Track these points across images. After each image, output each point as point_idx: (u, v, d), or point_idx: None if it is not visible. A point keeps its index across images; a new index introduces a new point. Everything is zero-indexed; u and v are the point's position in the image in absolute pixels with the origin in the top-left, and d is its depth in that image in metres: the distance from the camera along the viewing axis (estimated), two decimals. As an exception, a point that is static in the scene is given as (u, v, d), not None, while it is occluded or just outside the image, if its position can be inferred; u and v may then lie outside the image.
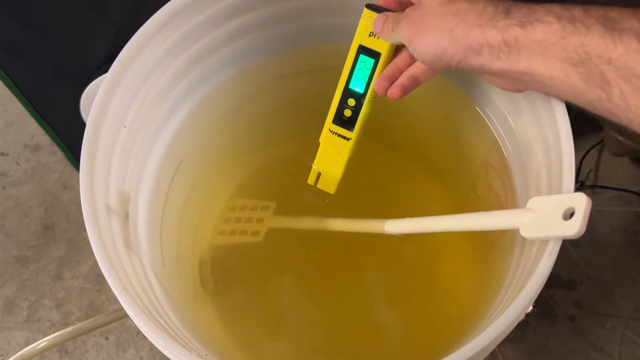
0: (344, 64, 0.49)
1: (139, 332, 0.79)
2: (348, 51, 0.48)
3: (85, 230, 0.43)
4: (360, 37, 0.47)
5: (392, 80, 0.46)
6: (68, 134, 0.78)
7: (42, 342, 0.57)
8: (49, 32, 0.65)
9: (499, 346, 0.66)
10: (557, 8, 0.35)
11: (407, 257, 0.66)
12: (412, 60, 0.45)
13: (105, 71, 0.48)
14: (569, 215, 0.37)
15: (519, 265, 0.45)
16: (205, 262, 0.64)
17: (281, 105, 0.67)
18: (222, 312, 0.61)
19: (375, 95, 0.49)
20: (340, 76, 0.49)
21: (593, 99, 0.34)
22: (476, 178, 0.61)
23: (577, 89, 0.34)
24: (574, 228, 0.36)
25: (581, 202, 0.36)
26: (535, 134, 0.47)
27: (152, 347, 0.77)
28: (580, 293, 0.79)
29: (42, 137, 0.97)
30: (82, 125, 0.48)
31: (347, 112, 0.50)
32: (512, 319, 0.37)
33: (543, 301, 0.79)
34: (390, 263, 0.66)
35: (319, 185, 0.54)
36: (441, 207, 0.69)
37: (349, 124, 0.50)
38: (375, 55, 0.47)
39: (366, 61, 0.48)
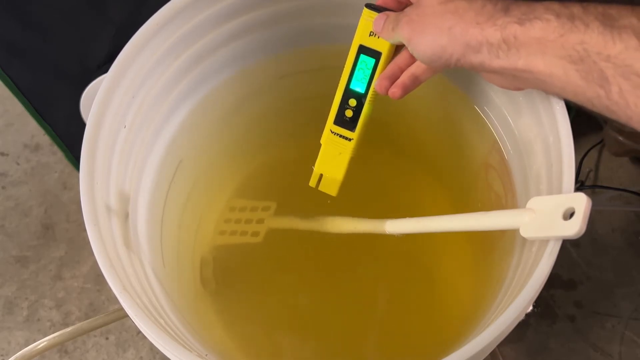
0: (344, 63, 0.49)
1: (139, 332, 0.79)
2: (348, 51, 0.48)
3: (85, 230, 0.43)
4: (361, 37, 0.47)
5: (393, 79, 0.46)
6: (68, 134, 0.78)
7: (42, 342, 0.57)
8: (49, 32, 0.65)
9: (499, 346, 0.66)
10: (555, 5, 0.35)
11: (407, 257, 0.66)
12: (413, 59, 0.45)
13: (105, 71, 0.48)
14: (569, 215, 0.37)
15: (519, 265, 0.45)
16: (206, 262, 0.64)
17: (281, 105, 0.67)
18: (222, 312, 0.61)
19: (376, 95, 0.49)
20: (340, 76, 0.49)
21: (592, 97, 0.34)
22: (476, 178, 0.61)
23: (576, 86, 0.34)
24: (574, 228, 0.36)
25: (581, 202, 0.36)
26: (535, 134, 0.47)
27: (152, 347, 0.77)
28: (580, 293, 0.79)
29: (42, 137, 0.97)
30: (82, 125, 0.48)
31: (349, 113, 0.50)
32: (512, 319, 0.37)
33: (543, 301, 0.79)
34: (390, 263, 0.66)
35: (321, 188, 0.54)
36: (441, 207, 0.69)
37: (350, 124, 0.50)
38: (375, 54, 0.47)
39: (367, 61, 0.48)
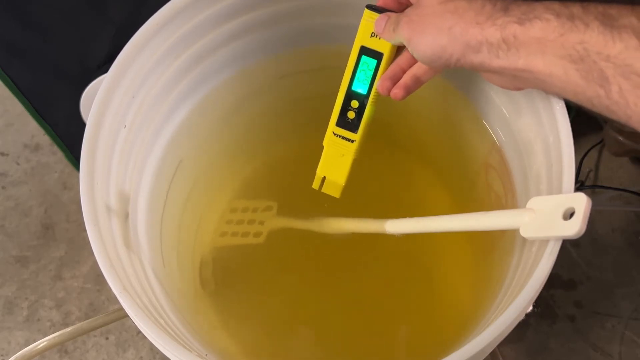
0: (344, 63, 0.49)
1: (139, 332, 0.79)
2: (348, 51, 0.48)
3: (85, 230, 0.43)
4: (362, 38, 0.47)
5: (395, 80, 0.46)
6: (68, 134, 0.78)
7: (42, 342, 0.57)
8: (49, 32, 0.65)
9: (499, 346, 0.66)
10: (555, 5, 0.35)
11: (407, 257, 0.66)
12: (414, 60, 0.45)
13: (105, 71, 0.48)
14: (569, 215, 0.37)
15: (519, 265, 0.45)
16: (206, 263, 0.64)
17: (281, 105, 0.67)
18: (222, 312, 0.61)
19: (378, 96, 0.49)
20: (341, 77, 0.49)
21: (592, 96, 0.34)
22: (476, 178, 0.61)
23: (576, 86, 0.34)
24: (574, 228, 0.36)
25: (581, 202, 0.36)
26: (535, 134, 0.47)
27: (152, 347, 0.77)
28: (580, 293, 0.79)
29: (42, 137, 0.97)
30: (82, 125, 0.48)
31: (351, 114, 0.50)
32: (512, 319, 0.37)
33: (543, 301, 0.79)
34: (391, 263, 0.66)
35: (324, 190, 0.53)
36: (441, 207, 0.69)
37: (352, 125, 0.50)
38: (377, 55, 0.47)
39: (368, 62, 0.48)
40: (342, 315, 0.64)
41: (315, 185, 0.53)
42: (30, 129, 0.98)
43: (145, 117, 0.53)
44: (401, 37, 0.43)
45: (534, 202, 0.40)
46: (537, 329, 0.77)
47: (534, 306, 0.78)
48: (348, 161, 0.52)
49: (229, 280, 0.65)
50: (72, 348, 0.81)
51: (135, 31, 0.49)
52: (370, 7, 0.47)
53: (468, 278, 0.63)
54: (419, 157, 0.70)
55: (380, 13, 0.46)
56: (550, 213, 0.38)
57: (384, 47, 0.47)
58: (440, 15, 0.39)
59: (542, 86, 0.38)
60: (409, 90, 0.46)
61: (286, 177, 0.70)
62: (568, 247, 0.82)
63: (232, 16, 0.56)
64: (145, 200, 0.53)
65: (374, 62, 0.47)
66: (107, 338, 0.82)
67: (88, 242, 0.42)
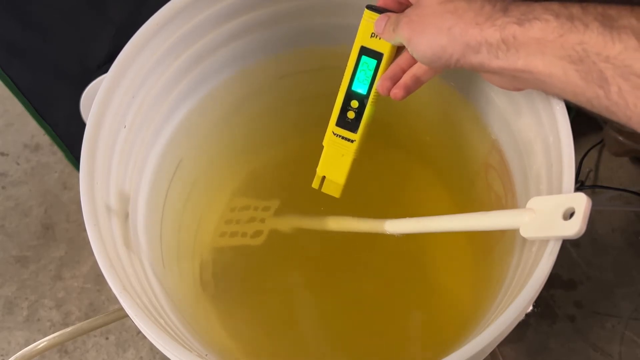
0: (344, 64, 0.49)
1: (139, 332, 0.79)
2: (348, 51, 0.48)
3: (85, 230, 0.43)
4: (362, 39, 0.47)
5: (395, 80, 0.46)
6: (68, 134, 0.78)
7: (42, 342, 0.57)
8: (49, 32, 0.65)
9: (499, 346, 0.66)
10: (555, 6, 0.35)
11: (407, 257, 0.66)
12: (414, 60, 0.45)
13: (105, 71, 0.48)
14: (569, 215, 0.37)
15: (519, 265, 0.45)
16: (206, 263, 0.64)
17: (281, 105, 0.67)
18: (222, 312, 0.61)
19: (378, 96, 0.49)
20: (341, 77, 0.49)
21: (591, 97, 0.34)
22: (476, 178, 0.61)
23: (576, 86, 0.34)
24: (574, 228, 0.36)
25: (581, 202, 0.36)
26: (535, 134, 0.47)
27: (152, 347, 0.77)
28: (580, 293, 0.79)
29: (42, 137, 0.97)
30: (82, 125, 0.48)
31: (351, 114, 0.50)
32: (512, 319, 0.37)
33: (543, 301, 0.79)
34: (391, 263, 0.66)
35: (324, 190, 0.53)
36: (441, 207, 0.69)
37: (352, 125, 0.50)
38: (377, 56, 0.47)
39: (368, 62, 0.48)
40: (342, 315, 0.64)
41: (315, 184, 0.54)
42: (30, 129, 0.98)
43: (145, 117, 0.53)
44: (401, 37, 0.43)
45: (534, 202, 0.40)
46: (537, 329, 0.77)
47: (534, 306, 0.78)
48: (348, 161, 0.52)
49: (229, 280, 0.65)
50: (72, 348, 0.81)
51: (135, 31, 0.49)
52: (370, 8, 0.47)
53: (468, 278, 0.63)
54: (419, 157, 0.70)
55: (380, 13, 0.46)
56: (550, 213, 0.38)
57: (384, 47, 0.47)
58: (440, 16, 0.39)
59: (541, 87, 0.38)
60: (408, 91, 0.46)
61: (286, 176, 0.70)
62: (568, 247, 0.82)
63: (232, 16, 0.56)
64: (145, 200, 0.53)
65: (373, 62, 0.47)
66: (107, 338, 0.82)
67: (88, 242, 0.42)
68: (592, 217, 0.54)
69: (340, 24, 0.56)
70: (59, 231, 0.90)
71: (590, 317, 0.78)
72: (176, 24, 0.52)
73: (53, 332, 0.59)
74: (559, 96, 0.42)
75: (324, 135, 0.51)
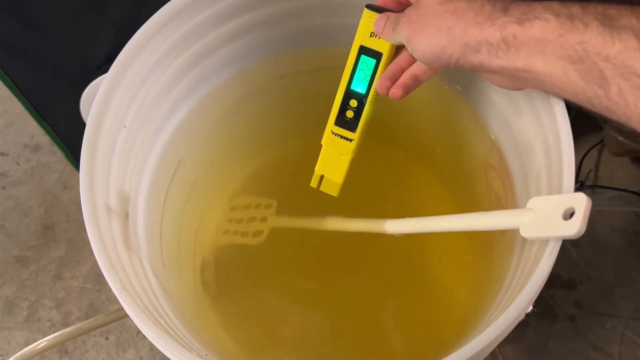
0: (344, 63, 0.49)
1: (139, 332, 0.79)
2: (348, 51, 0.48)
3: (85, 230, 0.43)
4: (361, 38, 0.47)
5: (394, 79, 0.46)
6: (68, 134, 0.78)
7: (42, 342, 0.57)
8: (49, 32, 0.65)
9: (499, 346, 0.66)
10: (555, 5, 0.35)
11: (407, 257, 0.66)
12: (413, 59, 0.45)
13: (105, 71, 0.48)
14: (569, 215, 0.37)
15: (519, 265, 0.45)
16: (208, 262, 0.64)
17: (281, 105, 0.67)
18: (222, 312, 0.61)
19: (377, 96, 0.49)
20: (341, 77, 0.49)
21: (591, 97, 0.34)
22: (476, 178, 0.61)
23: (576, 86, 0.34)
24: (574, 228, 0.36)
25: (581, 202, 0.36)
26: (535, 134, 0.47)
27: (152, 347, 0.77)
28: (580, 293, 0.79)
29: (42, 137, 0.97)
30: (82, 125, 0.48)
31: (349, 113, 0.50)
32: (512, 319, 0.37)
33: (543, 301, 0.79)
34: (391, 263, 0.66)
35: (322, 189, 0.54)
36: (441, 207, 0.69)
37: (351, 125, 0.50)
38: (376, 55, 0.47)
39: (367, 62, 0.48)
40: (342, 315, 0.64)
41: (314, 183, 0.54)
42: (30, 129, 0.98)
43: (145, 117, 0.53)
44: (400, 37, 0.43)
45: (534, 202, 0.40)
46: (537, 329, 0.77)
47: (534, 306, 0.78)
48: (346, 160, 0.52)
49: (230, 280, 0.65)
50: (72, 348, 0.81)
51: (135, 31, 0.49)
52: (370, 7, 0.47)
53: (468, 278, 0.63)
54: (418, 156, 0.70)
55: (379, 13, 0.46)
56: (550, 213, 0.38)
57: (383, 46, 0.47)
58: (440, 16, 0.39)
59: (541, 86, 0.38)
60: (407, 90, 0.46)
61: (286, 176, 0.70)
62: (568, 247, 0.82)
63: (232, 16, 0.56)
64: (145, 200, 0.53)
65: (373, 61, 0.47)
66: (107, 338, 0.82)
67: (88, 242, 0.42)
68: (592, 217, 0.54)
69: (340, 24, 0.56)
70: (59, 231, 0.90)
71: (590, 317, 0.78)
72: (176, 24, 0.52)
73: (53, 332, 0.59)
74: (559, 96, 0.42)
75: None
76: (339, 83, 0.49)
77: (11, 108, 1.00)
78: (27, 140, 0.98)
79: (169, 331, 0.42)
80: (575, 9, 0.34)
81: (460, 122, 0.60)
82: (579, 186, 0.84)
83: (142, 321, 0.40)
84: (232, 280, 0.65)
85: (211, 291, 0.63)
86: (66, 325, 0.83)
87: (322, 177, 0.53)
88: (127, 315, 0.42)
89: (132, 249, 0.48)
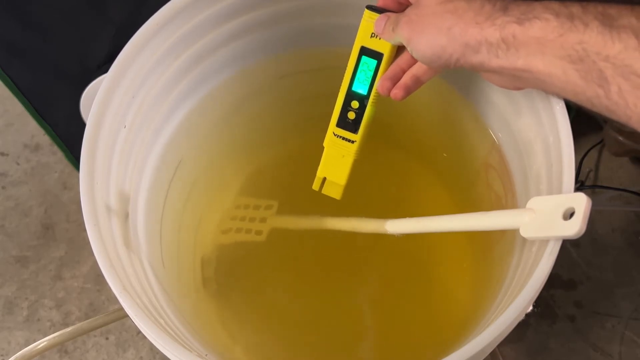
0: (344, 64, 0.49)
1: (139, 332, 0.79)
2: (348, 51, 0.48)
3: (85, 230, 0.43)
4: (362, 39, 0.47)
5: (395, 80, 0.46)
6: (68, 134, 0.78)
7: (42, 342, 0.57)
8: (49, 32, 0.65)
9: (499, 346, 0.66)
10: (555, 5, 0.35)
11: (407, 256, 0.66)
12: (414, 60, 0.45)
13: (105, 71, 0.48)
14: (569, 215, 0.37)
15: (519, 265, 0.45)
16: (208, 262, 0.64)
17: (281, 105, 0.67)
18: (222, 312, 0.61)
19: (378, 97, 0.49)
20: (341, 77, 0.49)
21: (591, 96, 0.34)
22: (476, 178, 0.61)
23: (576, 86, 0.34)
24: (574, 228, 0.36)
25: (581, 202, 0.36)
26: (535, 134, 0.47)
27: (152, 347, 0.77)
28: (580, 293, 0.79)
29: (42, 137, 0.97)
30: (82, 125, 0.48)
31: (351, 115, 0.50)
32: (512, 319, 0.37)
33: (543, 301, 0.79)
34: (391, 263, 0.66)
35: (324, 191, 0.53)
36: (441, 207, 0.69)
37: (353, 126, 0.50)
38: (377, 56, 0.47)
39: (368, 62, 0.48)
40: (343, 315, 0.64)
41: (316, 186, 0.53)
42: (30, 129, 0.98)
43: (145, 117, 0.53)
44: (401, 37, 0.43)
45: (534, 202, 0.40)
46: (537, 329, 0.77)
47: (534, 306, 0.78)
48: (348, 162, 0.51)
49: (230, 279, 0.65)
50: (72, 348, 0.81)
51: (135, 31, 0.49)
52: (370, 8, 0.47)
53: (468, 278, 0.63)
54: (419, 157, 0.70)
55: (380, 13, 0.46)
56: (550, 213, 0.38)
57: (384, 47, 0.47)
58: (440, 16, 0.39)
59: (541, 86, 0.38)
60: (409, 91, 0.46)
61: (286, 177, 0.70)
62: (568, 247, 0.82)
63: (232, 16, 0.56)
64: (145, 200, 0.53)
65: (374, 62, 0.47)
66: (107, 338, 0.82)
67: (88, 242, 0.42)
68: (592, 217, 0.54)
69: (340, 24, 0.56)
70: (59, 231, 0.90)
71: (590, 317, 0.78)
72: (176, 24, 0.52)
73: (53, 332, 0.59)
74: (559, 95, 0.42)
75: (325, 135, 0.51)
76: (340, 84, 0.49)
77: (11, 108, 1.00)
78: (27, 140, 0.98)
79: (169, 331, 0.42)
80: (575, 8, 0.34)
81: (460, 122, 0.60)
82: (579, 186, 0.84)
83: (142, 321, 0.40)
84: (232, 279, 0.65)
85: (212, 290, 0.63)
86: (66, 325, 0.83)
87: (324, 179, 0.53)
88: (127, 315, 0.42)
89: (132, 249, 0.48)
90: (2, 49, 0.65)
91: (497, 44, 0.36)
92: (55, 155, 0.96)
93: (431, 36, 0.40)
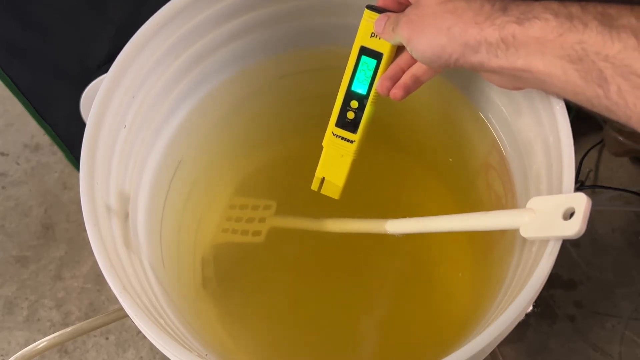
0: (344, 63, 0.49)
1: (139, 332, 0.79)
2: (348, 51, 0.48)
3: (85, 230, 0.43)
4: (362, 39, 0.47)
5: (395, 80, 0.46)
6: (68, 134, 0.78)
7: (42, 342, 0.57)
8: (49, 32, 0.65)
9: (499, 346, 0.66)
10: (554, 5, 0.35)
11: (407, 257, 0.66)
12: (414, 60, 0.45)
13: (105, 71, 0.48)
14: (569, 215, 0.37)
15: (519, 265, 0.45)
16: (207, 262, 0.64)
17: (281, 105, 0.67)
18: (222, 312, 0.61)
19: (377, 97, 0.49)
20: (341, 77, 0.49)
21: (591, 96, 0.34)
22: (476, 178, 0.61)
23: (575, 86, 0.34)
24: (574, 228, 0.36)
25: (581, 202, 0.36)
26: (535, 134, 0.47)
27: (152, 347, 0.77)
28: (580, 293, 0.79)
29: (42, 137, 0.97)
30: (82, 125, 0.48)
31: (350, 115, 0.50)
32: (512, 319, 0.37)
33: (543, 301, 0.79)
34: (391, 263, 0.66)
35: (323, 191, 0.53)
36: (441, 207, 0.69)
37: (352, 126, 0.50)
38: (377, 56, 0.47)
39: (368, 62, 0.48)
40: (342, 316, 0.64)
41: (314, 186, 0.53)
42: (30, 129, 0.98)
43: (145, 117, 0.53)
44: (400, 37, 0.43)
45: (534, 202, 0.40)
46: (537, 329, 0.77)
47: (534, 306, 0.78)
48: (347, 162, 0.51)
49: (230, 279, 0.65)
50: (72, 348, 0.81)
51: (135, 31, 0.49)
52: (370, 7, 0.47)
53: (468, 278, 0.63)
54: (418, 157, 0.70)
55: (380, 13, 0.46)
56: (550, 213, 0.38)
57: (383, 47, 0.47)
58: (440, 16, 0.39)
59: (541, 86, 0.38)
60: (408, 90, 0.46)
61: (286, 177, 0.70)
62: (568, 247, 0.82)
63: (232, 16, 0.56)
64: (145, 200, 0.53)
65: (373, 62, 0.47)
66: (107, 338, 0.82)
67: (88, 242, 0.42)
68: (592, 217, 0.54)
69: (340, 24, 0.56)
70: (59, 231, 0.90)
71: (590, 317, 0.78)
72: (176, 24, 0.52)
73: (53, 332, 0.59)
74: (558, 95, 0.42)
75: (324, 135, 0.51)
76: (340, 83, 0.49)
77: (11, 108, 1.00)
78: (27, 140, 0.98)
79: (169, 331, 0.42)
80: (575, 8, 0.34)
81: (460, 122, 0.60)
82: (579, 186, 0.84)
83: (142, 321, 0.40)
84: (232, 280, 0.65)
85: (212, 290, 0.63)
86: (66, 325, 0.83)
87: (323, 179, 0.53)
88: (127, 315, 0.42)
89: (132, 249, 0.48)
90: (2, 49, 0.65)
91: (497, 43, 0.36)
92: (55, 155, 0.96)
93: (431, 36, 0.40)
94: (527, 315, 0.78)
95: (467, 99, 0.57)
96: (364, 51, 0.47)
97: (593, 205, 0.36)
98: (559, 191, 0.40)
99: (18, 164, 0.96)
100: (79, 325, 0.59)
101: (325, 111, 0.51)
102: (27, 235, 0.90)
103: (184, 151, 0.60)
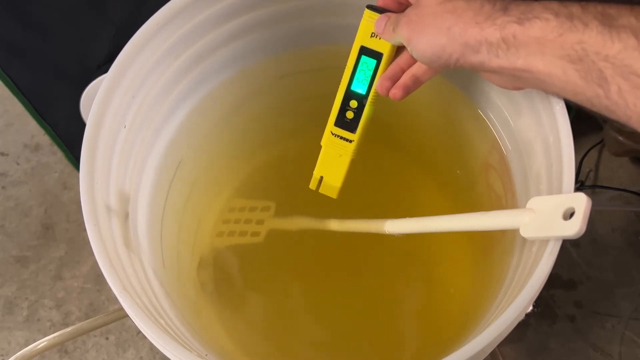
0: (344, 63, 0.49)
1: (139, 332, 0.79)
2: (348, 51, 0.48)
3: (85, 230, 0.43)
4: (362, 38, 0.47)
5: (395, 80, 0.46)
6: (68, 134, 0.78)
7: (42, 342, 0.57)
8: (49, 32, 0.65)
9: (499, 346, 0.66)
10: (554, 5, 0.35)
11: (407, 257, 0.66)
12: (414, 60, 0.45)
13: (105, 71, 0.48)
14: (569, 215, 0.37)
15: (519, 265, 0.45)
16: (206, 263, 0.64)
17: (281, 105, 0.67)
18: (222, 312, 0.61)
19: (377, 96, 0.49)
20: (341, 77, 0.49)
21: (591, 96, 0.34)
22: (476, 178, 0.61)
23: (576, 86, 0.34)
24: (574, 228, 0.36)
25: (581, 202, 0.36)
26: (535, 134, 0.47)
27: (152, 347, 0.77)
28: (580, 293, 0.79)
29: (42, 137, 0.97)
30: (82, 125, 0.48)
31: (349, 114, 0.50)
32: (512, 319, 0.37)
33: (543, 301, 0.79)
34: (391, 263, 0.66)
35: (321, 190, 0.53)
36: (441, 207, 0.69)
37: (351, 125, 0.50)
38: (377, 55, 0.47)
39: (368, 62, 0.48)
40: (342, 316, 0.64)
41: (313, 185, 0.53)
42: (30, 129, 0.98)
43: (145, 117, 0.53)
44: (401, 37, 0.43)
45: (534, 202, 0.40)
46: (537, 329, 0.77)
47: (534, 306, 0.78)
48: (346, 161, 0.51)
49: (229, 280, 0.65)
50: (72, 348, 0.81)
51: (135, 31, 0.49)
52: (371, 7, 0.47)
53: (468, 278, 0.63)
54: (418, 157, 0.70)
55: (380, 13, 0.46)
56: (550, 213, 0.38)
57: (383, 47, 0.47)
58: (440, 16, 0.39)
59: (541, 86, 0.38)
60: (408, 91, 0.46)
61: (286, 177, 0.70)
62: (568, 247, 0.82)
63: (232, 16, 0.56)
64: (145, 200, 0.53)
65: (373, 62, 0.47)
66: (107, 338, 0.82)
67: (88, 242, 0.42)
68: (592, 217, 0.54)
69: (340, 24, 0.56)
70: (59, 231, 0.90)
71: (590, 317, 0.78)
72: (176, 24, 0.52)
73: (53, 332, 0.59)
74: (558, 95, 0.42)
75: (324, 135, 0.51)
76: (339, 83, 0.49)
77: (11, 108, 1.00)
78: (27, 140, 0.98)
79: (169, 331, 0.42)
80: (575, 8, 0.34)
81: (460, 122, 0.60)
82: (579, 186, 0.84)
83: (142, 321, 0.40)
84: (232, 280, 0.65)
85: (211, 291, 0.63)
86: (66, 325, 0.83)
87: (321, 178, 0.53)
88: (127, 315, 0.42)
89: (132, 249, 0.48)
90: (2, 49, 0.65)
91: (497, 43, 0.36)
92: (55, 155, 0.96)
93: (431, 36, 0.40)
94: (527, 315, 0.78)
95: (467, 99, 0.57)
96: (364, 51, 0.47)
97: (593, 205, 0.36)
98: (559, 191, 0.40)
99: (18, 164, 0.96)
100: (79, 325, 0.59)
101: (326, 111, 0.51)
102: (27, 235, 0.90)
103: (184, 151, 0.60)
